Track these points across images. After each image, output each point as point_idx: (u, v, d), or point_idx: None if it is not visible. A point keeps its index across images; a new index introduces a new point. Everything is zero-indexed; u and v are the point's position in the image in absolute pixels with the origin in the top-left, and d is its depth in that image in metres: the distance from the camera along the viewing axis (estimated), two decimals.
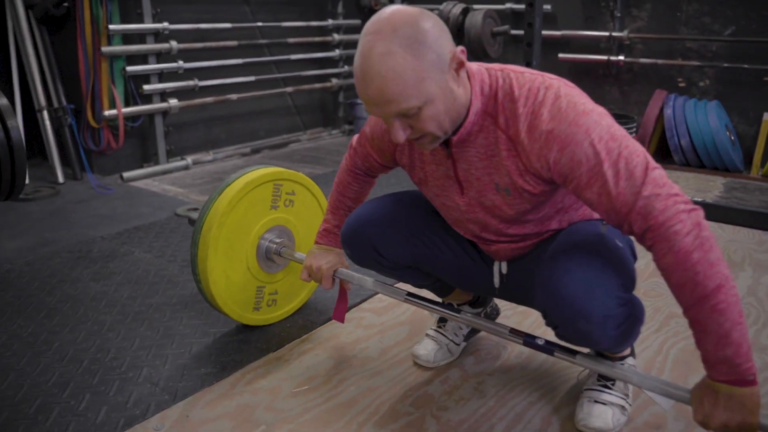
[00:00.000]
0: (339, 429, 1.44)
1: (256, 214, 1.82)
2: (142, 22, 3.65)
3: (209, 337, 1.86)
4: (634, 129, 3.38)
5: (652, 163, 1.13)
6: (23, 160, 2.38)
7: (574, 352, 1.29)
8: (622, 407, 1.46)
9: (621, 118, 3.43)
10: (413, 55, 1.11)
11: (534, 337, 1.35)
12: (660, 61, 4.12)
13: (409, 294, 1.53)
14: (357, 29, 4.96)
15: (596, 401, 1.45)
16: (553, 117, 1.17)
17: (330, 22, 4.77)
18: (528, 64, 2.70)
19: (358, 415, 1.49)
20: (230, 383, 1.63)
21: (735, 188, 3.47)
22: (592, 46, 4.36)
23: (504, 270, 1.48)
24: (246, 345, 1.81)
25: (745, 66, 3.83)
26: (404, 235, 1.49)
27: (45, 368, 1.70)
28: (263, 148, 4.42)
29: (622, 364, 1.48)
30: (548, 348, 1.33)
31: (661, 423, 1.46)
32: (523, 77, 1.23)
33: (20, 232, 2.77)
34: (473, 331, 1.78)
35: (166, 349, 1.79)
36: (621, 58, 4.21)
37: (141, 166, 3.83)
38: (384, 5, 4.91)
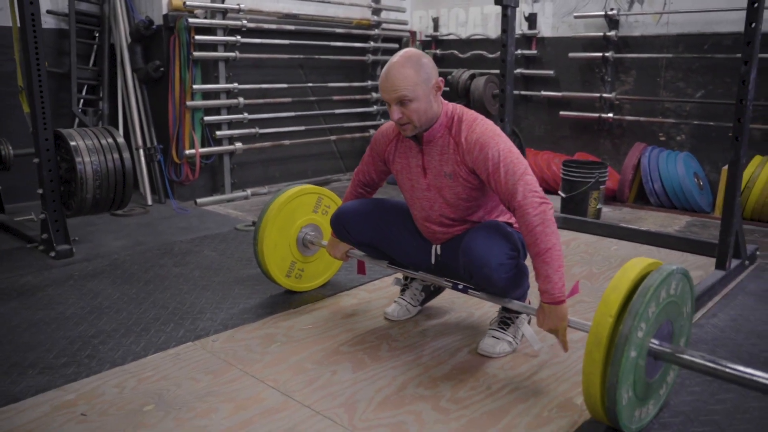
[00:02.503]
0: (326, 346, 2.26)
1: (303, 212, 2.71)
2: (218, 82, 4.67)
3: (252, 300, 2.72)
4: (606, 174, 4.12)
5: (528, 172, 1.96)
6: (131, 182, 3.36)
7: (478, 292, 2.12)
8: (509, 342, 2.22)
9: (599, 165, 4.19)
10: (415, 71, 2.00)
11: (457, 284, 2.18)
12: (643, 119, 4.86)
13: (389, 263, 2.39)
14: None
15: (492, 336, 2.23)
16: (480, 133, 2.02)
17: (369, 83, 5.72)
18: (502, 120, 3.51)
19: (340, 341, 2.31)
20: (262, 322, 2.47)
21: (695, 225, 4.15)
22: (588, 105, 5.14)
23: (438, 251, 2.30)
24: (275, 304, 2.66)
25: (712, 124, 4.53)
26: (369, 222, 2.33)
27: (145, 310, 2.60)
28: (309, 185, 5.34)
29: (517, 317, 2.25)
30: (464, 289, 2.15)
31: (532, 353, 2.22)
32: (469, 112, 2.11)
33: (122, 236, 3.73)
34: (425, 300, 2.57)
35: (223, 305, 2.66)
36: (611, 115, 4.97)
37: (211, 195, 4.79)
38: None
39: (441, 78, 2.08)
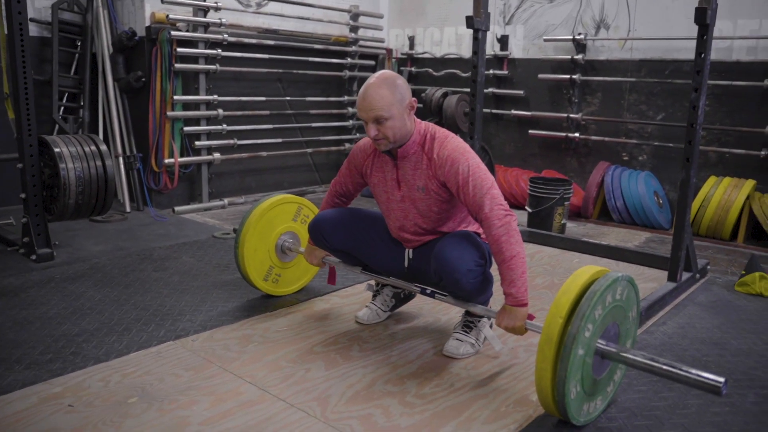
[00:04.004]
0: (300, 347, 2.39)
1: (283, 220, 2.85)
2: (198, 94, 4.78)
3: (230, 303, 2.84)
4: (570, 191, 4.33)
5: (494, 186, 2.14)
6: (113, 188, 3.46)
7: (445, 296, 2.28)
8: (472, 344, 2.38)
9: (564, 183, 4.40)
10: (391, 92, 2.15)
11: (426, 288, 2.34)
12: (608, 139, 5.09)
13: (363, 269, 2.55)
14: None
15: (456, 338, 2.38)
16: (451, 150, 2.19)
17: (345, 98, 5.88)
18: (472, 137, 3.69)
19: (313, 342, 2.44)
20: (240, 324, 2.60)
21: (653, 241, 4.37)
22: (556, 124, 5.36)
23: (410, 255, 2.45)
24: (252, 308, 2.78)
25: (672, 145, 4.78)
26: (345, 229, 2.48)
27: (126, 312, 2.70)
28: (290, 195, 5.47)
29: (479, 321, 2.41)
30: (432, 294, 2.31)
31: (493, 354, 2.37)
32: (440, 130, 2.28)
33: (101, 241, 3.82)
34: (395, 306, 2.72)
35: (202, 307, 2.78)
36: (577, 135, 5.20)
37: (189, 203, 4.89)
38: None
39: (414, 98, 2.24)
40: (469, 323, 2.41)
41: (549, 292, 3.12)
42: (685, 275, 3.21)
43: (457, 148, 2.20)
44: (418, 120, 2.30)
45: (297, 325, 2.61)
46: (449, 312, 2.78)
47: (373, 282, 2.75)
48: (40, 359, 2.23)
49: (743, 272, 3.32)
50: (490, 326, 2.40)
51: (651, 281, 3.30)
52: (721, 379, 1.69)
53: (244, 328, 2.56)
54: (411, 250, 2.45)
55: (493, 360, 2.34)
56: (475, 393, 2.09)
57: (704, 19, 2.82)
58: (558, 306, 1.79)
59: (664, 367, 1.78)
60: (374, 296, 2.73)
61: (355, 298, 2.96)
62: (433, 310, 2.81)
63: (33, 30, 4.65)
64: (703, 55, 2.89)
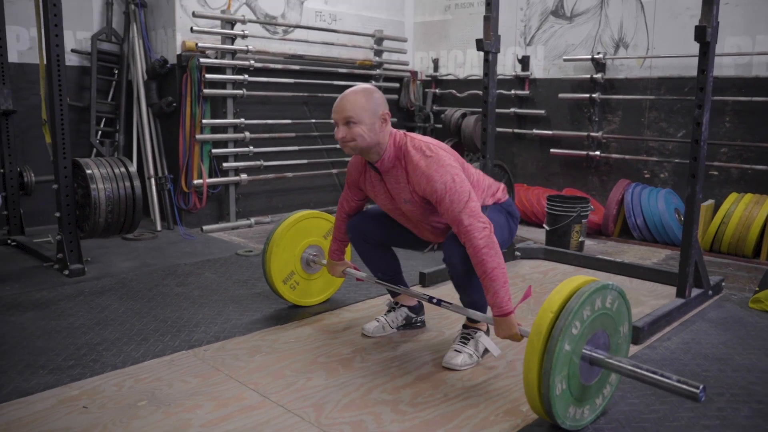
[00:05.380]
0: (305, 357, 2.50)
1: (315, 233, 3.02)
2: (225, 118, 5.00)
3: (244, 317, 2.97)
4: (588, 209, 4.36)
5: (472, 198, 2.23)
6: (140, 208, 3.65)
7: (450, 304, 2.40)
8: (470, 355, 2.45)
9: (581, 200, 4.44)
10: (366, 99, 2.29)
11: (432, 297, 2.46)
12: (628, 157, 5.11)
13: (378, 280, 2.69)
14: (395, 125, 6.20)
15: (454, 350, 2.46)
16: (425, 167, 2.28)
17: None
18: (484, 156, 3.77)
19: (318, 353, 2.55)
20: (251, 336, 2.72)
21: (672, 258, 4.35)
22: (577, 143, 5.40)
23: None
24: (265, 320, 2.91)
25: None
26: (377, 224, 2.65)
27: (146, 323, 2.86)
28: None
29: (476, 332, 2.49)
30: (438, 302, 2.43)
31: (493, 364, 2.44)
32: (415, 141, 2.36)
33: (131, 258, 4.02)
34: (403, 327, 2.81)
35: (217, 320, 2.92)
36: (598, 153, 5.23)
37: (217, 222, 5.08)
38: (417, 107, 6.18)
39: (389, 112, 2.35)
40: (466, 335, 2.49)
41: None
42: (696, 291, 3.22)
43: (430, 165, 2.27)
44: (394, 130, 2.40)
45: (305, 337, 2.73)
46: (454, 326, 2.86)
47: (391, 299, 2.86)
48: (62, 365, 2.40)
49: (757, 289, 3.31)
50: (486, 332, 2.48)
51: (663, 298, 3.32)
52: (699, 386, 1.74)
53: (255, 339, 2.69)
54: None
55: (490, 371, 2.41)
56: (467, 402, 2.16)
57: (704, 37, 2.87)
58: (550, 303, 1.88)
59: (646, 373, 1.83)
60: (387, 311, 2.83)
61: (365, 312, 3.06)
62: (439, 324, 2.90)
63: (74, 60, 4.95)
64: (705, 72, 2.93)
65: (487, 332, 2.53)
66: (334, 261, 2.85)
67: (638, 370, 1.86)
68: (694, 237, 3.09)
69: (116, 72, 5.12)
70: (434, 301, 2.46)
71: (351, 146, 2.33)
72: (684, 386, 1.77)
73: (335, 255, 2.85)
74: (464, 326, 2.52)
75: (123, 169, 3.67)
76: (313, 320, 2.94)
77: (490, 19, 3.62)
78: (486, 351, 2.48)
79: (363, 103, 2.27)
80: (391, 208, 2.53)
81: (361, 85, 2.35)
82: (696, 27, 2.88)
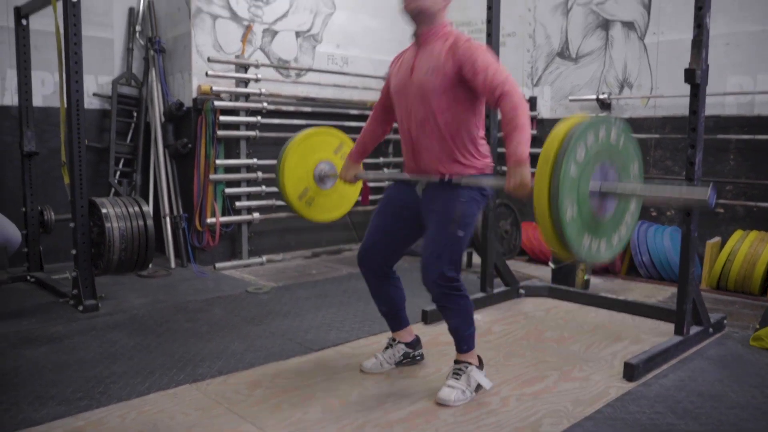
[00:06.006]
0: (303, 392, 2.57)
1: (325, 149, 3.09)
2: (239, 158, 5.16)
3: (249, 353, 3.06)
4: None
5: (509, 74, 2.34)
6: (153, 246, 3.78)
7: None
8: (462, 391, 2.50)
9: None
10: None
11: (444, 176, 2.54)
12: None
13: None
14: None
15: (447, 385, 2.51)
16: (477, 46, 2.41)
17: (381, 159, 6.17)
18: None
19: (317, 388, 2.62)
20: (253, 371, 2.80)
21: None
22: None
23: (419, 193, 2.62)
24: (268, 356, 2.99)
25: None
26: (373, 239, 2.73)
27: (154, 358, 2.96)
28: (322, 253, 5.73)
29: (467, 367, 2.54)
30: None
31: (486, 400, 2.49)
32: (463, 35, 2.50)
33: (143, 295, 4.14)
34: (402, 363, 2.88)
35: (223, 355, 3.01)
36: None
37: (229, 260, 5.20)
38: None
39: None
40: (458, 370, 2.54)
41: (555, 345, 3.20)
42: (696, 329, 3.24)
43: (479, 47, 2.43)
44: (450, 25, 2.55)
45: (305, 372, 2.80)
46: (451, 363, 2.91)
47: (390, 335, 2.94)
48: (71, 397, 2.49)
49: (757, 326, 3.33)
50: (479, 366, 2.53)
51: (663, 335, 3.33)
52: (707, 189, 1.89)
53: (257, 374, 2.77)
54: (421, 189, 2.62)
55: (482, 407, 2.46)
56: None
57: (694, 79, 2.96)
58: (557, 132, 1.99)
59: (653, 189, 2.07)
60: (385, 348, 2.90)
61: (366, 348, 3.12)
62: (438, 362, 2.95)
63: (95, 103, 5.17)
64: (696, 113, 3.01)
65: (480, 366, 2.58)
66: (350, 162, 2.93)
67: (645, 190, 2.01)
68: (690, 275, 3.13)
69: (135, 114, 5.32)
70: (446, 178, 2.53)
71: (413, 5, 2.46)
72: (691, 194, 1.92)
73: (352, 156, 2.93)
74: (456, 361, 2.58)
75: (137, 209, 3.81)
76: (314, 356, 3.02)
77: None
78: (479, 386, 2.53)
79: None
80: (400, 93, 2.58)
81: None
82: (686, 70, 2.97)
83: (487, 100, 2.40)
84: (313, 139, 3.07)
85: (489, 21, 3.82)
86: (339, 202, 3.24)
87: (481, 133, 2.58)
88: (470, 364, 2.56)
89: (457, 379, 2.52)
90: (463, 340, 2.57)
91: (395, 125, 2.80)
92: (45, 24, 4.56)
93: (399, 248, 2.78)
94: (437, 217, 2.50)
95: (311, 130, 3.09)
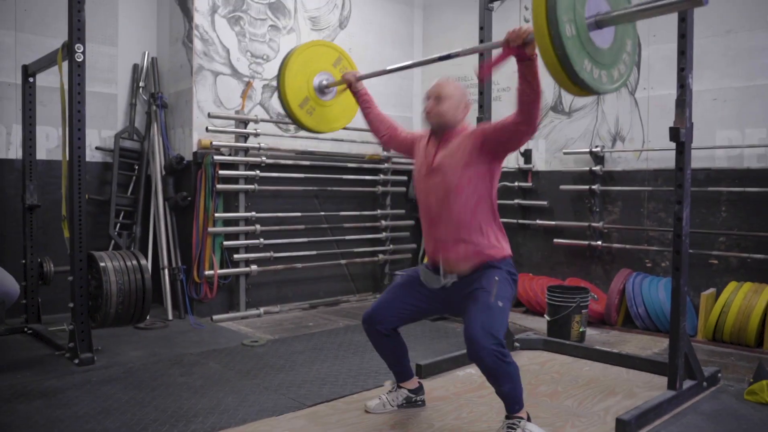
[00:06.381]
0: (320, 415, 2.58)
1: (325, 60, 3.22)
2: (237, 211, 5.23)
3: (242, 407, 3.06)
4: (587, 298, 4.45)
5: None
6: (150, 299, 3.81)
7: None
8: None
9: (581, 291, 4.52)
10: (456, 88, 2.75)
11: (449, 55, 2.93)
12: (629, 246, 5.20)
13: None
14: (401, 216, 6.41)
15: None
16: (474, 128, 2.62)
17: (379, 211, 6.23)
18: None
19: (331, 422, 2.63)
20: (246, 426, 2.80)
21: None
22: (579, 233, 5.52)
23: (447, 282, 2.72)
24: (261, 411, 2.99)
25: (692, 251, 4.83)
26: (391, 310, 2.81)
27: (147, 413, 2.96)
28: (320, 305, 5.74)
29: (520, 420, 2.56)
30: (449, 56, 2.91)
31: None
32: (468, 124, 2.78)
33: (140, 347, 4.15)
34: (404, 406, 2.98)
35: (216, 410, 3.01)
36: (600, 243, 5.34)
37: (227, 312, 5.22)
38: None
39: (470, 103, 2.83)
40: (512, 425, 2.56)
41: (549, 400, 3.20)
42: (690, 383, 3.24)
43: (475, 127, 2.77)
44: (469, 124, 2.80)
45: (298, 428, 2.80)
46: (444, 419, 2.91)
47: (392, 381, 3.08)
48: None
49: (751, 380, 3.32)
50: (528, 419, 2.59)
51: (657, 389, 3.32)
52: None
53: (249, 430, 2.77)
54: (448, 280, 2.73)
55: None
56: None
57: (678, 137, 3.04)
58: None
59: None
60: (389, 391, 3.02)
61: (359, 404, 3.11)
62: (429, 416, 2.94)
63: (97, 156, 5.28)
64: (682, 170, 3.08)
65: (528, 419, 2.62)
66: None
67: (638, 8, 2.04)
68: (681, 329, 3.15)
69: (136, 167, 5.43)
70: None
71: (434, 118, 2.73)
72: None
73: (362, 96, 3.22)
74: (507, 417, 2.60)
75: (135, 262, 3.86)
76: (307, 412, 3.02)
77: (483, 119, 3.85)
78: None
79: (454, 90, 2.74)
80: (421, 174, 2.80)
81: (452, 81, 2.77)
82: (670, 128, 3.06)
83: (513, 122, 2.50)
84: (313, 49, 3.23)
85: (481, 80, 3.93)
86: (340, 113, 3.38)
87: (498, 220, 2.76)
88: (522, 418, 2.59)
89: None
90: (515, 401, 2.58)
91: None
92: (51, 81, 4.70)
93: (409, 318, 2.88)
94: (476, 293, 2.60)
95: (312, 41, 3.28)
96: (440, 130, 2.74)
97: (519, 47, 2.28)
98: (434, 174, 2.72)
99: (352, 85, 3.20)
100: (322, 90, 3.29)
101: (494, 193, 2.71)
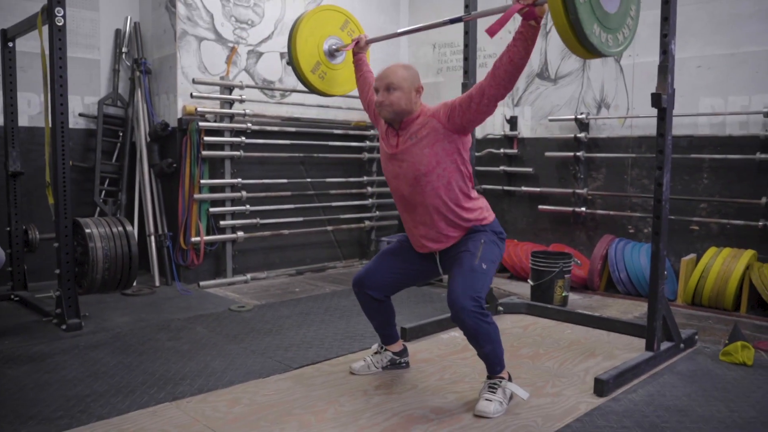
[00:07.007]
0: (281, 409, 2.63)
1: (333, 24, 3.31)
2: (223, 178, 5.22)
3: (229, 371, 3.11)
4: (570, 264, 4.52)
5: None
6: (136, 265, 3.83)
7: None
8: (500, 402, 2.58)
9: (564, 256, 4.59)
10: (406, 71, 2.67)
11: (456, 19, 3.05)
12: (613, 212, 5.26)
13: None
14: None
15: (485, 399, 2.60)
16: (436, 108, 2.60)
17: (365, 178, 6.25)
18: None
19: (294, 405, 2.67)
20: (233, 388, 2.85)
21: None
22: (564, 200, 5.57)
23: (439, 261, 2.81)
24: (248, 374, 3.04)
25: (673, 217, 4.91)
26: (382, 274, 2.85)
27: (135, 376, 3.00)
28: (306, 271, 5.79)
29: (501, 381, 2.63)
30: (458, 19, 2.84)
31: (458, 416, 2.56)
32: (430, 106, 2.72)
33: (127, 313, 4.18)
34: (389, 368, 3.05)
35: (203, 373, 3.06)
36: (584, 209, 5.39)
37: (214, 278, 5.25)
38: None
39: (422, 86, 2.71)
40: (493, 384, 2.63)
41: (530, 362, 3.27)
42: (667, 345, 3.32)
43: (440, 105, 2.67)
44: (425, 104, 2.71)
45: (284, 390, 2.86)
46: (427, 380, 2.98)
47: (378, 344, 3.14)
48: (51, 416, 2.53)
49: (726, 342, 3.41)
50: (509, 379, 2.66)
51: (636, 351, 3.41)
52: None
53: (236, 392, 2.82)
54: (438, 255, 2.80)
55: (455, 423, 2.52)
56: None
57: (660, 103, 3.07)
58: None
59: None
60: (374, 353, 3.09)
61: (344, 366, 3.17)
62: (413, 377, 3.01)
63: (81, 123, 5.23)
64: (663, 136, 3.11)
65: (509, 379, 2.68)
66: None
67: None
68: (660, 292, 3.22)
69: (121, 134, 5.39)
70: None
71: (387, 110, 2.65)
72: None
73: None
74: (488, 377, 2.67)
75: (121, 229, 3.87)
76: (293, 374, 3.07)
77: (468, 86, 3.85)
78: (511, 397, 2.66)
79: (404, 73, 2.64)
80: (388, 162, 2.76)
81: (402, 62, 2.70)
82: (652, 94, 3.09)
83: (485, 93, 2.48)
84: (321, 14, 3.30)
85: (466, 45, 3.92)
86: (350, 75, 3.43)
87: (473, 191, 2.76)
88: (503, 378, 2.66)
89: (493, 392, 2.60)
90: (496, 362, 2.65)
91: None
92: (31, 46, 4.63)
93: (401, 283, 2.94)
94: (461, 255, 2.65)
95: (321, 6, 3.33)
96: (397, 119, 2.68)
97: (530, 6, 2.29)
98: (399, 160, 2.69)
99: (361, 49, 3.25)
100: (332, 54, 3.35)
101: (467, 165, 2.68)
